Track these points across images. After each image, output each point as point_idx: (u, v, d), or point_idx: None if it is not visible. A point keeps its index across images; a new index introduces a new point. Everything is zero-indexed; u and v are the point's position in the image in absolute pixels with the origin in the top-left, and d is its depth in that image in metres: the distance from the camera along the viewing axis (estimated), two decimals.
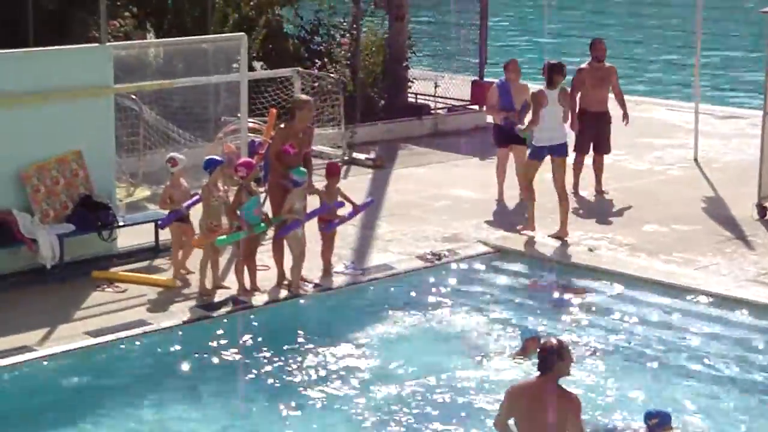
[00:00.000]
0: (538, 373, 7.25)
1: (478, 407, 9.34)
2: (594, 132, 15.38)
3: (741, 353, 10.46)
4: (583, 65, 15.55)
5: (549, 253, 13.00)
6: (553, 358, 7.19)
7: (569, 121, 14.27)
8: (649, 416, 8.44)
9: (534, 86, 14.30)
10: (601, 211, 14.62)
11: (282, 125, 12.28)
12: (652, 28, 37.42)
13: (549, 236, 13.21)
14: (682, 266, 12.50)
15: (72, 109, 12.08)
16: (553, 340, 7.33)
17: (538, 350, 7.34)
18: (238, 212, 11.32)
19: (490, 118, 19.70)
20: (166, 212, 12.04)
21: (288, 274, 11.72)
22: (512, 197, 14.89)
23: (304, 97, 12.56)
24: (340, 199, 12.04)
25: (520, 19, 38.83)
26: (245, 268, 11.56)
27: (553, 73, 13.18)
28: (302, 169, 11.56)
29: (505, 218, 14.23)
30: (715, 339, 10.80)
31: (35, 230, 11.68)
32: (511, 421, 7.36)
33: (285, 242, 11.69)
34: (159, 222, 12.20)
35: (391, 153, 17.71)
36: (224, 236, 11.36)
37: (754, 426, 9.13)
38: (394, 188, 15.75)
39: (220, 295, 11.43)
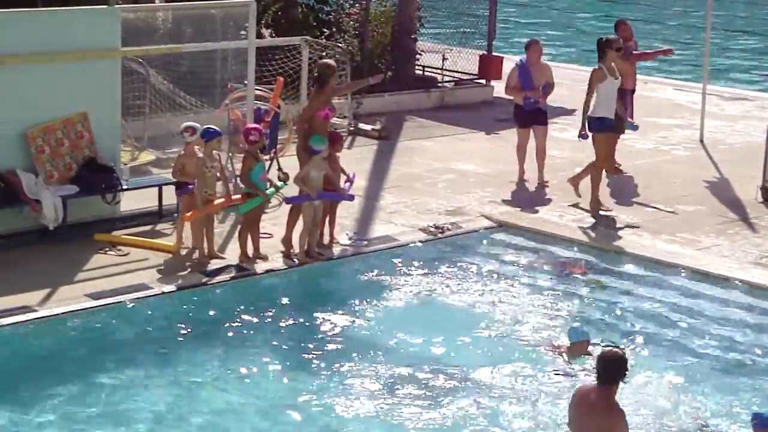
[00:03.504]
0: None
1: (479, 379, 9.37)
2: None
3: (735, 333, 10.48)
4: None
5: (552, 228, 13.00)
6: (619, 371, 6.95)
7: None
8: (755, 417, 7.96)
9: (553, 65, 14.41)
10: (604, 189, 14.59)
11: (315, 91, 12.26)
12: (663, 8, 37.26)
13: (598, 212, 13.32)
14: (684, 246, 12.50)
15: (78, 71, 12.06)
16: (618, 352, 7.01)
17: (603, 359, 6.98)
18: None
19: (497, 93, 19.80)
20: (171, 177, 12.03)
21: (296, 241, 11.73)
22: (532, 179, 14.72)
23: (331, 62, 12.55)
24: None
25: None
26: (248, 235, 11.58)
27: (606, 47, 13.46)
28: (322, 137, 11.59)
29: (513, 193, 14.21)
30: (710, 319, 10.81)
31: (39, 191, 11.69)
32: None
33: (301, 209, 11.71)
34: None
35: (397, 125, 17.68)
36: (246, 203, 11.40)
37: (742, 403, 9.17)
38: (399, 160, 15.73)
39: (221, 263, 11.44)
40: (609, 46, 13.53)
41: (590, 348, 9.67)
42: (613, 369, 6.93)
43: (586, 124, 13.54)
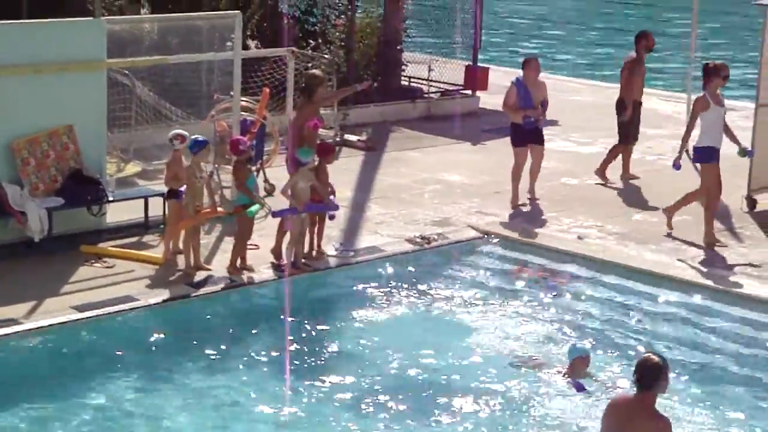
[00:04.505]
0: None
1: (467, 391, 9.36)
2: (638, 121, 15.78)
3: (722, 344, 10.50)
4: (632, 55, 15.69)
5: (538, 239, 13.03)
6: (656, 377, 6.84)
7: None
8: None
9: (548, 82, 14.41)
10: (590, 199, 14.63)
11: (302, 102, 12.33)
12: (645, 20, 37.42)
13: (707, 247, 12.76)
14: (670, 256, 12.53)
15: (64, 82, 12.04)
16: (656, 357, 6.92)
17: (642, 366, 6.88)
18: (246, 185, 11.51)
19: (482, 104, 19.86)
20: (160, 188, 12.02)
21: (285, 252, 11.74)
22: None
23: (318, 72, 12.61)
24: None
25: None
26: (243, 247, 11.59)
27: (713, 74, 12.98)
28: (308, 149, 11.61)
29: (499, 204, 14.23)
30: (697, 328, 10.83)
31: (24, 203, 11.66)
32: None
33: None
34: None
35: (384, 136, 17.70)
36: (252, 208, 11.45)
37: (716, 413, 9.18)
38: (386, 171, 15.74)
39: (209, 274, 11.42)
40: (716, 73, 12.99)
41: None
42: (651, 374, 6.85)
43: (688, 154, 13.26)
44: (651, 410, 6.87)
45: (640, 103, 15.84)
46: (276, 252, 11.80)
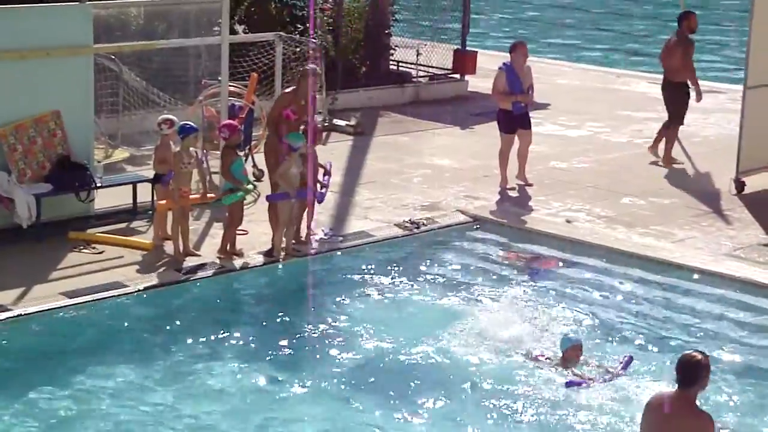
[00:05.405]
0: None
1: (454, 374, 9.38)
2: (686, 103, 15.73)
3: (711, 327, 10.53)
4: (674, 38, 15.63)
5: (527, 223, 13.04)
6: (699, 373, 6.78)
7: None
8: None
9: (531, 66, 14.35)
10: (579, 183, 14.65)
11: (287, 90, 12.33)
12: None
13: None
14: (659, 239, 12.56)
15: (50, 68, 12.00)
16: (698, 355, 6.84)
17: (683, 363, 6.84)
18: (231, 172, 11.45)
19: (471, 88, 19.84)
20: (148, 174, 12.00)
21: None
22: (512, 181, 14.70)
23: (312, 66, 12.62)
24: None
25: None
26: (234, 233, 11.58)
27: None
28: (298, 134, 11.60)
29: (488, 188, 14.24)
30: (686, 312, 10.86)
31: (12, 189, 11.63)
32: None
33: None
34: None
35: (372, 120, 17.68)
36: (230, 195, 11.42)
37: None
38: (374, 156, 15.73)
39: (198, 260, 11.41)
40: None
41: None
42: (693, 372, 6.80)
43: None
44: (693, 407, 6.82)
45: (686, 84, 15.61)
46: (277, 240, 11.81)
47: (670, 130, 15.68)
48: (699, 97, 15.64)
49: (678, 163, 15.63)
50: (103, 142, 14.20)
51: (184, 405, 8.86)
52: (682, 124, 15.77)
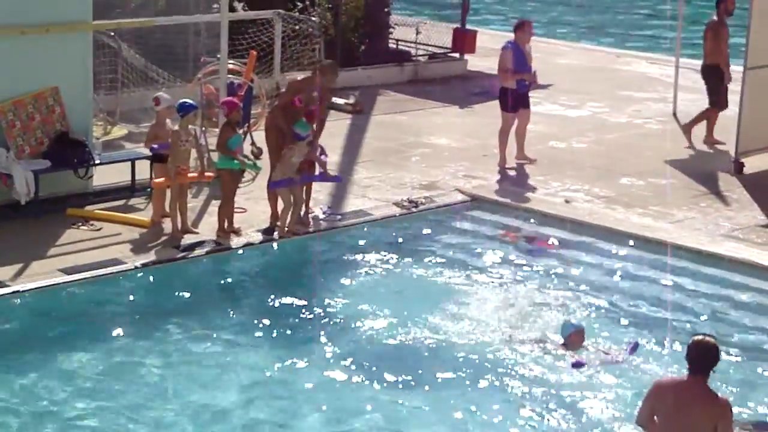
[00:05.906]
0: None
1: (453, 355, 9.39)
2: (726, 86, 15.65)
3: (708, 307, 10.55)
4: (714, 20, 15.55)
5: (525, 203, 13.04)
6: (712, 360, 6.74)
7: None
8: None
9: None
10: (578, 163, 14.64)
11: (302, 78, 12.37)
12: None
13: None
14: (657, 219, 12.56)
15: (50, 44, 11.96)
16: (711, 340, 6.80)
17: (695, 348, 6.77)
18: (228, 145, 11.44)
19: (471, 67, 19.80)
20: (146, 151, 12.00)
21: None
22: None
23: (329, 62, 12.62)
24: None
25: None
26: (229, 210, 11.57)
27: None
28: (305, 123, 11.57)
29: (487, 167, 14.23)
30: (684, 292, 10.87)
31: (10, 165, 11.62)
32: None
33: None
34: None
35: (371, 99, 17.65)
36: (225, 161, 11.42)
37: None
38: (373, 134, 15.71)
39: (196, 237, 11.41)
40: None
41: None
42: (704, 357, 6.77)
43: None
44: (710, 392, 6.81)
45: (719, 67, 15.45)
46: (272, 216, 11.79)
47: (708, 112, 15.61)
48: (728, 80, 15.47)
49: (721, 144, 15.46)
50: (101, 119, 14.18)
51: (180, 384, 8.87)
52: (723, 108, 15.54)
